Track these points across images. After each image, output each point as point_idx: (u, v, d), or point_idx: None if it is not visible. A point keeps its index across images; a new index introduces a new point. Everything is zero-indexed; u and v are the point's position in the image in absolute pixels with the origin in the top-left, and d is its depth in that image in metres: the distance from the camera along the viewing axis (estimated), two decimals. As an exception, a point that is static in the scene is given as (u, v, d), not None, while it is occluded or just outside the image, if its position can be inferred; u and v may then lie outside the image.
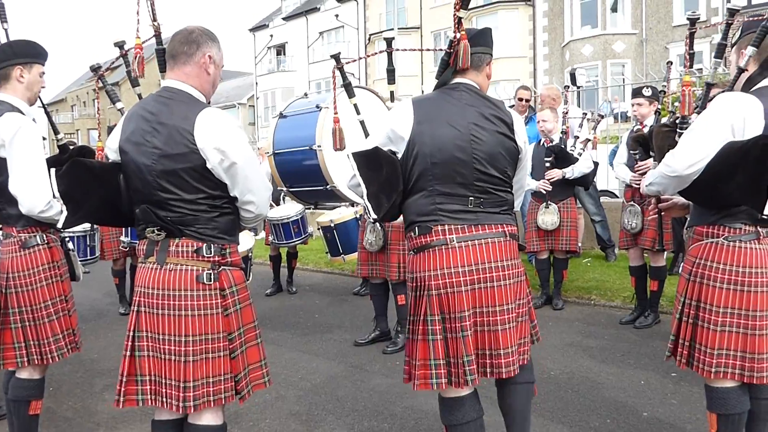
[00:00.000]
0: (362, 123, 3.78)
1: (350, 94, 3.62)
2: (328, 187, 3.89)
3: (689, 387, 3.84)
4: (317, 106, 4.00)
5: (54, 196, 2.77)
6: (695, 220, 2.52)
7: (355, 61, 3.62)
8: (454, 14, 2.46)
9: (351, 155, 2.41)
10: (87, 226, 5.99)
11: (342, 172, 3.91)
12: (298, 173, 4.06)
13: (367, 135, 3.78)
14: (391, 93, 3.73)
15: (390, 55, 3.54)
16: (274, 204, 7.17)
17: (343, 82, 3.58)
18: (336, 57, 3.54)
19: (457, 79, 2.51)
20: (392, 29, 24.14)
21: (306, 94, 4.77)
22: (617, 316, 5.57)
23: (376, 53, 3.76)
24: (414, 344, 2.47)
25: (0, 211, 2.93)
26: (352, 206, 5.80)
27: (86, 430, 3.63)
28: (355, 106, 3.64)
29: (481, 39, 2.54)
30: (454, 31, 2.45)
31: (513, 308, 2.44)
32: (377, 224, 4.72)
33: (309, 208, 6.74)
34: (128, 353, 2.34)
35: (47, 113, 3.59)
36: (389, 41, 3.55)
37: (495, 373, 2.41)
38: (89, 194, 2.38)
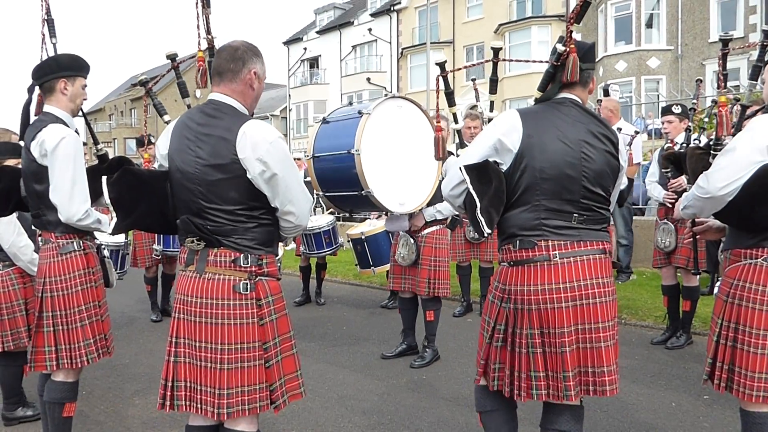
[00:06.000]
0: (458, 132, 3.82)
1: (450, 103, 3.61)
2: (363, 192, 3.94)
3: (722, 411, 3.76)
4: (359, 112, 4.11)
5: (105, 203, 2.85)
6: (732, 242, 2.48)
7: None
8: (567, 27, 2.39)
9: (463, 168, 2.37)
10: (121, 239, 6.17)
11: (378, 180, 3.96)
12: (335, 178, 4.16)
13: (463, 146, 3.76)
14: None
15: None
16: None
17: (446, 90, 3.51)
18: (441, 65, 3.48)
19: (564, 94, 2.46)
20: (425, 43, 24.16)
21: (351, 102, 4.87)
22: (648, 336, 5.49)
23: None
24: (494, 350, 2.47)
25: (41, 217, 3.03)
26: (382, 216, 5.82)
27: (117, 435, 3.69)
28: (454, 115, 3.67)
29: (590, 55, 2.48)
30: (565, 44, 2.38)
31: (611, 326, 2.40)
32: (410, 238, 4.72)
33: (338, 218, 6.78)
34: (171, 359, 2.39)
35: (88, 123, 3.70)
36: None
37: (598, 391, 2.36)
38: (138, 201, 2.45)
